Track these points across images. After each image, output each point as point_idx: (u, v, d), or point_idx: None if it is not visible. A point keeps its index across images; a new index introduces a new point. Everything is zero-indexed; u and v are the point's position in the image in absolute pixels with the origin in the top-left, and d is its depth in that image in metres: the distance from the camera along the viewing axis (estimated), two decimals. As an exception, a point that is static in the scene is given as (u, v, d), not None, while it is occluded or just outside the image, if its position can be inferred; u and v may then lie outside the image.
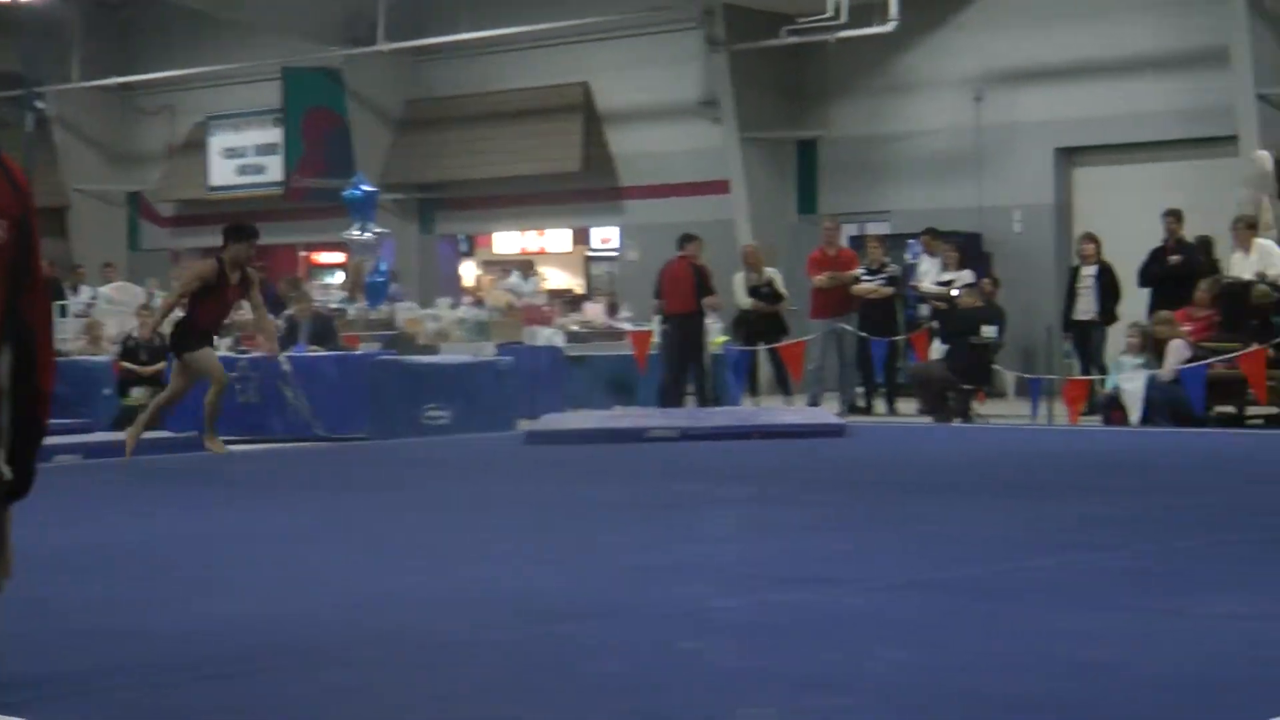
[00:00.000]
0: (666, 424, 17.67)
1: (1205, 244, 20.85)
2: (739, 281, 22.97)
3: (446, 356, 19.96)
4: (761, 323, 22.50)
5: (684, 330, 21.49)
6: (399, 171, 31.81)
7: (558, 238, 32.79)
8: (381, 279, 21.42)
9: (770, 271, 22.86)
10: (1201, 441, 16.68)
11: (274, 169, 32.71)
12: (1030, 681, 5.88)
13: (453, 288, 31.12)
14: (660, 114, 29.20)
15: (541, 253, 33.15)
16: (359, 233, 21.57)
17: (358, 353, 19.93)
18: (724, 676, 6.03)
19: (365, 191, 21.98)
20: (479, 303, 25.81)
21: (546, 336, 23.53)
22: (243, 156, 33.50)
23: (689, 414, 19.79)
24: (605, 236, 31.68)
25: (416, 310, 23.70)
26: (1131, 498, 11.78)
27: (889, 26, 25.47)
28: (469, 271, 33.91)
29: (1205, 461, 14.80)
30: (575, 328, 24.56)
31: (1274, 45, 23.49)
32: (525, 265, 28.00)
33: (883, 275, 22.41)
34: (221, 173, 33.90)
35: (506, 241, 33.63)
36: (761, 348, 22.40)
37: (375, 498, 12.65)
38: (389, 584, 8.21)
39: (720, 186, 27.90)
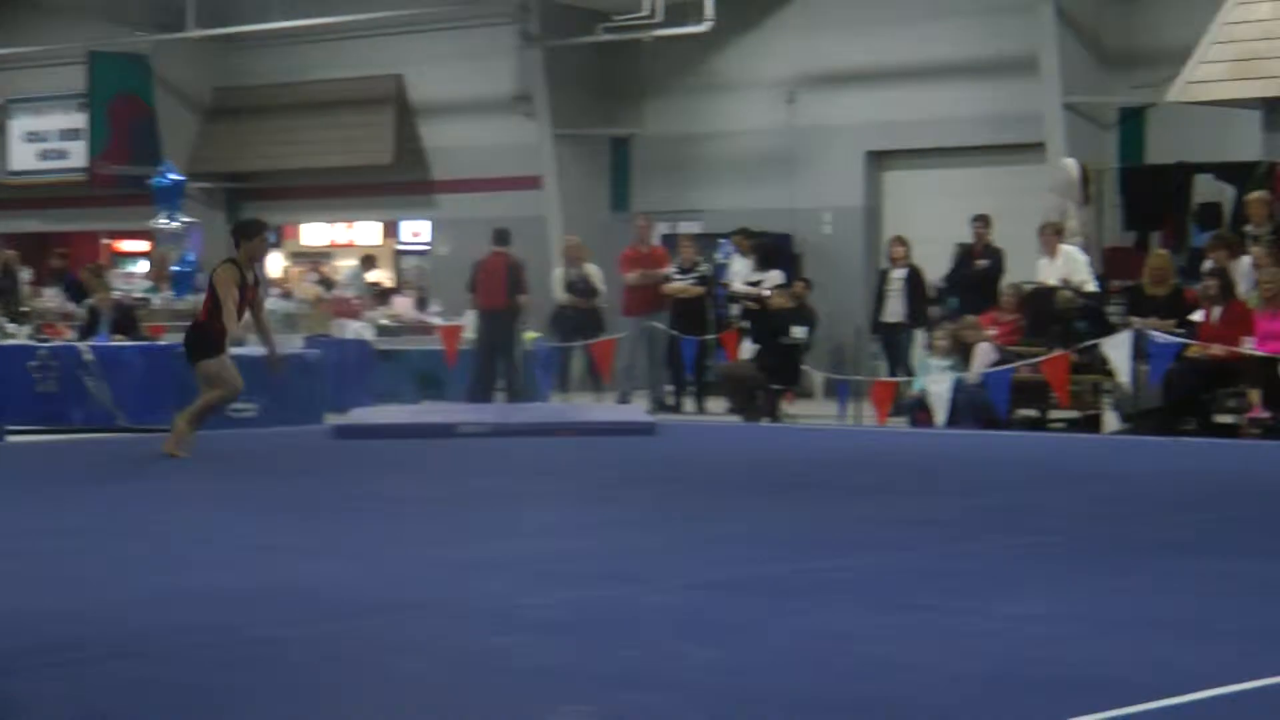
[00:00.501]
0: (477, 420, 17.61)
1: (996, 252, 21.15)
2: (558, 277, 22.97)
3: (253, 348, 19.71)
4: (579, 318, 22.50)
5: (497, 326, 21.44)
6: (207, 160, 31.40)
7: (367, 230, 32.54)
8: (188, 268, 21.09)
9: (591, 268, 22.87)
10: (1005, 444, 16.92)
11: (78, 155, 32.11)
12: (834, 680, 5.92)
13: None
14: (474, 108, 29.09)
15: (350, 245, 32.88)
16: (166, 221, 21.24)
17: (162, 343, 19.62)
18: (533, 674, 6.00)
19: (172, 180, 21.66)
20: (287, 294, 25.53)
21: (355, 330, 23.33)
22: (45, 141, 32.86)
23: (499, 410, 19.74)
24: (416, 230, 31.49)
25: (223, 301, 23.34)
26: (935, 499, 11.92)
27: (704, 26, 25.56)
28: (276, 262, 33.54)
29: (1008, 463, 15.01)
30: (384, 321, 24.38)
31: (1082, 54, 23.88)
32: (367, 259, 27.72)
33: (694, 274, 22.50)
34: (22, 157, 33.22)
35: (315, 233, 33.32)
36: (576, 344, 22.40)
37: (175, 491, 12.46)
38: (188, 580, 8.08)
39: (533, 182, 27.84)
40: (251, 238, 15.10)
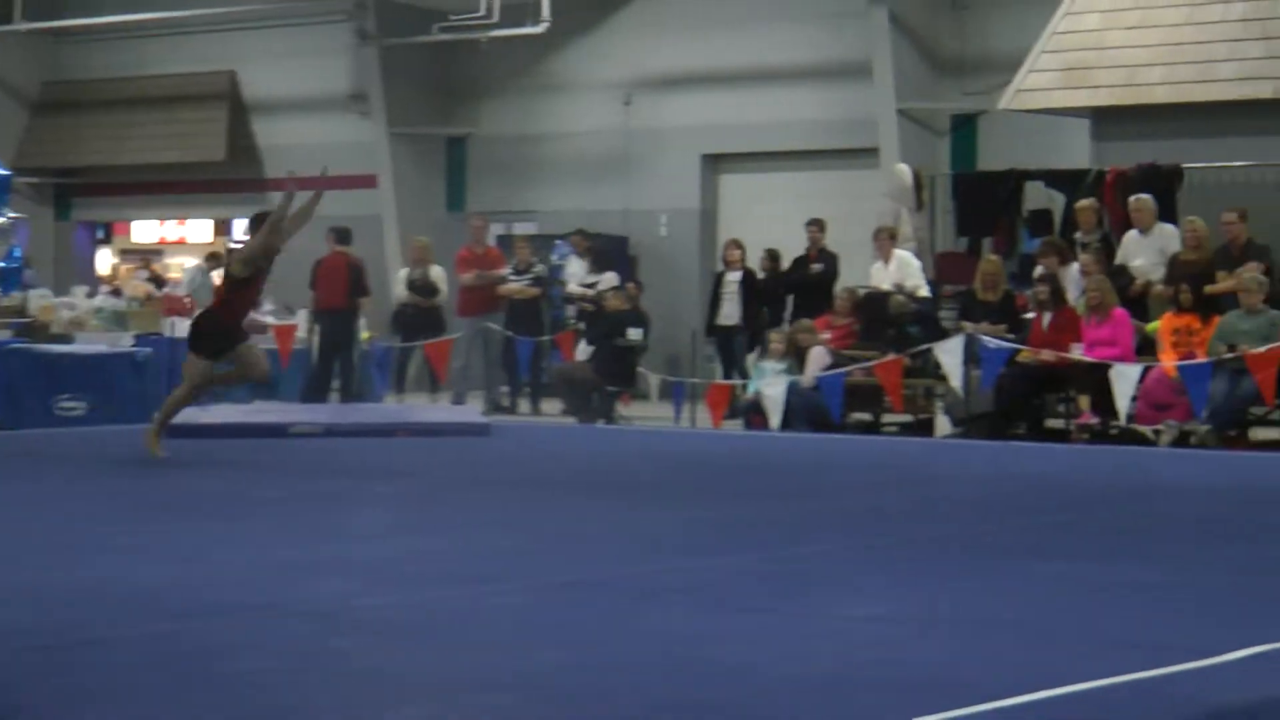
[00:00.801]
0: (310, 420, 17.47)
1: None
2: (402, 276, 22.86)
3: (81, 346, 19.41)
4: (420, 319, 22.38)
5: (336, 326, 21.27)
6: (35, 155, 30.88)
7: (198, 228, 32.16)
8: (14, 264, 20.74)
9: (435, 269, 22.73)
10: (839, 447, 17.04)
11: (-101, 148, 31.48)
12: (679, 682, 5.91)
13: (89, 275, 30.31)
14: (308, 106, 28.86)
15: (181, 242, 32.48)
16: (-8, 217, 20.89)
17: (-10, 339, 19.28)
18: (374, 676, 5.94)
19: (-2, 174, 21.30)
20: (116, 292, 25.16)
21: (186, 328, 23.00)
22: None
23: (333, 410, 19.59)
24: (248, 228, 31.13)
25: (50, 298, 22.99)
26: (771, 501, 11.97)
27: (541, 27, 25.53)
28: (105, 259, 33.07)
29: (843, 466, 15.12)
30: (216, 320, 24.04)
31: (915, 60, 24.13)
32: (213, 256, 27.33)
33: (529, 275, 22.46)
34: None
35: (146, 230, 32.88)
36: (414, 344, 22.28)
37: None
38: (10, 581, 7.92)
39: (368, 181, 27.67)
40: None
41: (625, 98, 26.41)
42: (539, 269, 22.80)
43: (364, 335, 22.05)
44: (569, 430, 19.48)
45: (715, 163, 26.30)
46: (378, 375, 22.18)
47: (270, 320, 23.53)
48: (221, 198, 30.13)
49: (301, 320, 22.19)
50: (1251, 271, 17.57)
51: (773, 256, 21.27)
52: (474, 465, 14.58)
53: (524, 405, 22.42)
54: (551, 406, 21.78)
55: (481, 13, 25.77)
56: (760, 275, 21.12)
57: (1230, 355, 16.75)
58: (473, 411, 20.10)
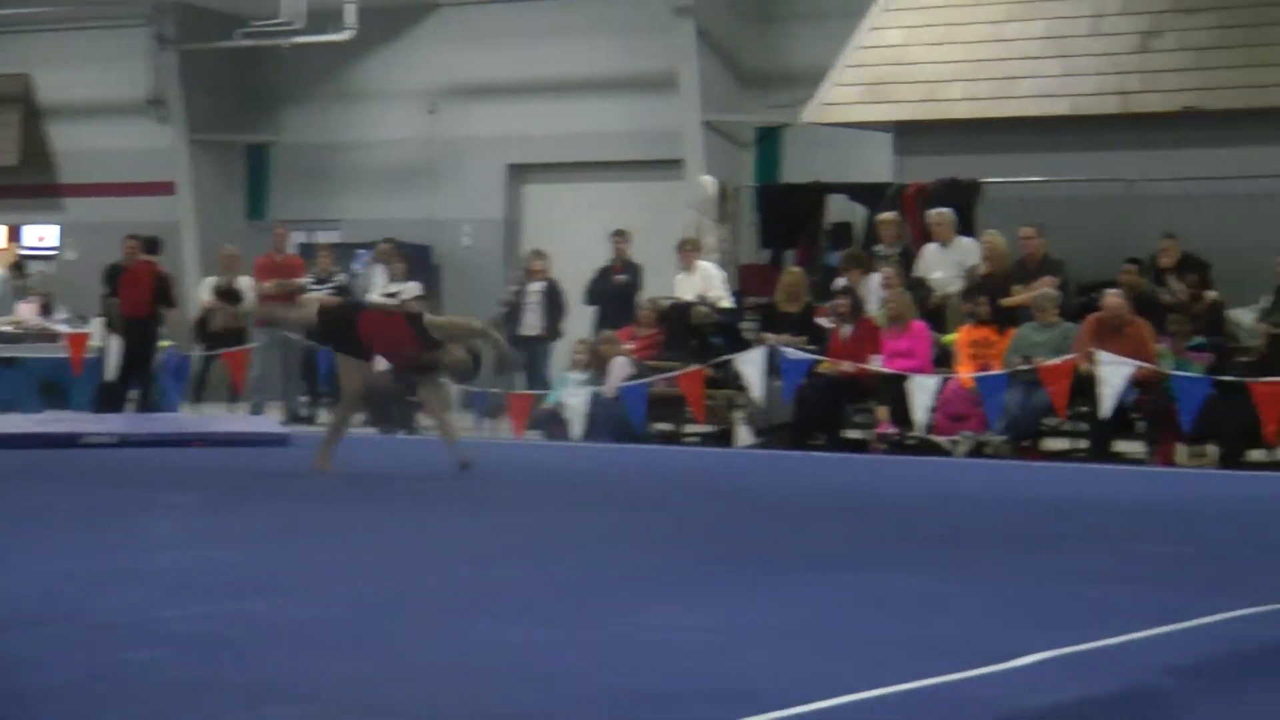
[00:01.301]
0: (103, 430, 17.22)
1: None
2: (208, 284, 22.63)
3: None
4: (225, 327, 22.12)
5: (138, 335, 20.95)
6: None
7: (-10, 233, 31.58)
8: None
9: (245, 279, 22.47)
10: (640, 457, 17.11)
11: None
12: (482, 692, 5.91)
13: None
14: (105, 111, 28.46)
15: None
16: None
17: None
18: (172, 686, 5.88)
19: None
20: (-98, 299, 24.63)
21: (-10, 339, 22.61)
22: None
23: (127, 420, 19.32)
24: (41, 235, 30.64)
25: None
26: (575, 512, 11.99)
27: (345, 35, 25.39)
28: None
29: (644, 477, 15.18)
30: (6, 328, 23.67)
31: (721, 72, 24.30)
32: (17, 265, 26.81)
33: (330, 284, 22.31)
34: None
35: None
36: (216, 354, 22.04)
37: None
38: None
39: (166, 188, 27.34)
40: None
41: (430, 107, 26.34)
42: (340, 278, 22.66)
43: (161, 344, 21.77)
44: (369, 441, 19.36)
45: (520, 173, 26.31)
46: (173, 385, 21.91)
47: (63, 329, 23.19)
48: (13, 204, 29.59)
49: (95, 329, 21.86)
50: (1046, 285, 17.92)
51: None
52: (271, 476, 14.46)
53: (324, 415, 22.25)
54: (353, 417, 21.60)
55: (284, 19, 25.57)
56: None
57: (1025, 367, 17.06)
58: (271, 422, 19.93)
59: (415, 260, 23.53)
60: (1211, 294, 17.49)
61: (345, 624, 7.13)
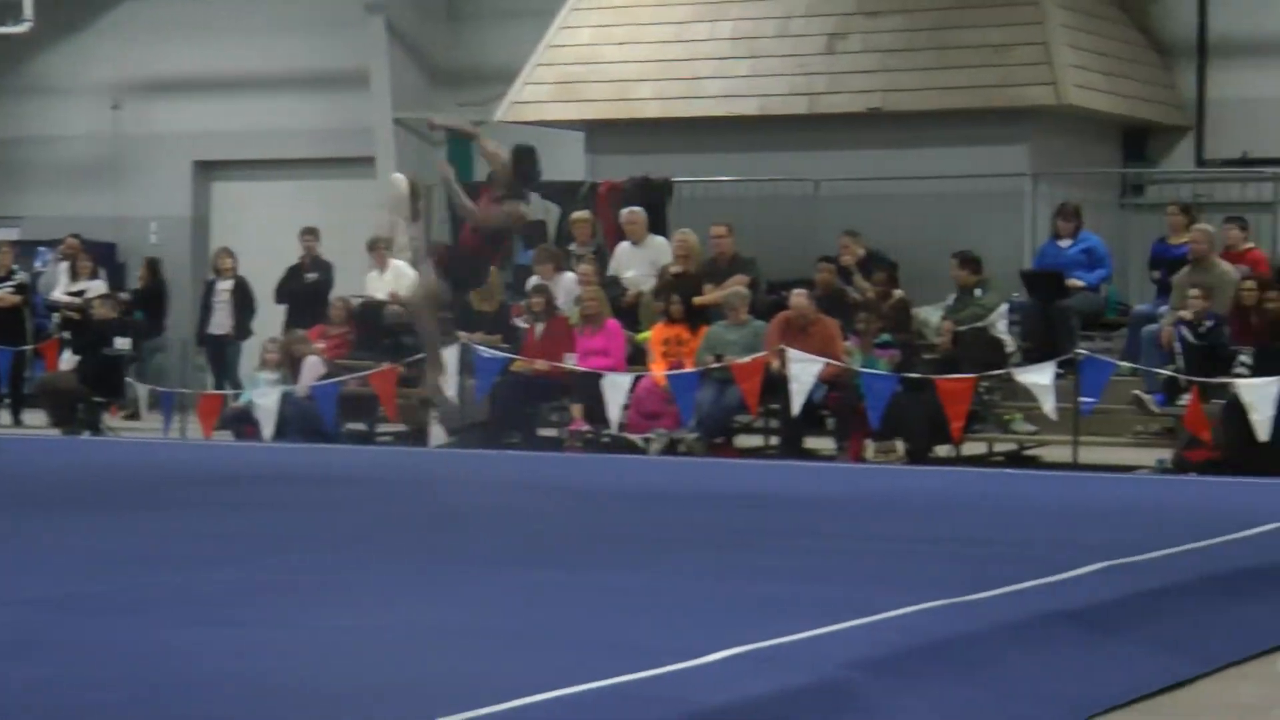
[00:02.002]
0: None
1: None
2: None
3: None
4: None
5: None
6: None
7: None
8: None
9: None
10: (332, 457, 16.91)
11: None
12: (161, 696, 5.74)
13: None
14: None
15: None
16: None
17: None
18: None
19: None
20: None
21: None
22: None
23: None
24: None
25: None
26: (258, 513, 11.79)
27: (23, 27, 24.70)
28: None
29: (335, 477, 14.98)
30: None
31: (412, 70, 24.14)
32: None
33: (10, 283, 21.69)
34: None
35: None
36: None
37: None
38: None
39: None
40: None
41: (114, 102, 25.77)
42: (20, 276, 22.03)
43: None
44: (53, 443, 18.88)
45: (208, 170, 25.87)
46: None
47: None
48: None
49: None
50: (737, 284, 18.08)
51: None
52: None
53: (4, 417, 21.62)
54: (35, 418, 21.05)
55: (-40, 10, 24.82)
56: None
57: (717, 365, 17.19)
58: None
59: (101, 258, 22.97)
60: (899, 292, 17.78)
61: (19, 630, 6.88)
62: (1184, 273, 16.97)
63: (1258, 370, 15.54)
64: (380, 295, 19.76)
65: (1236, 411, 15.29)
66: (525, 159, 13.97)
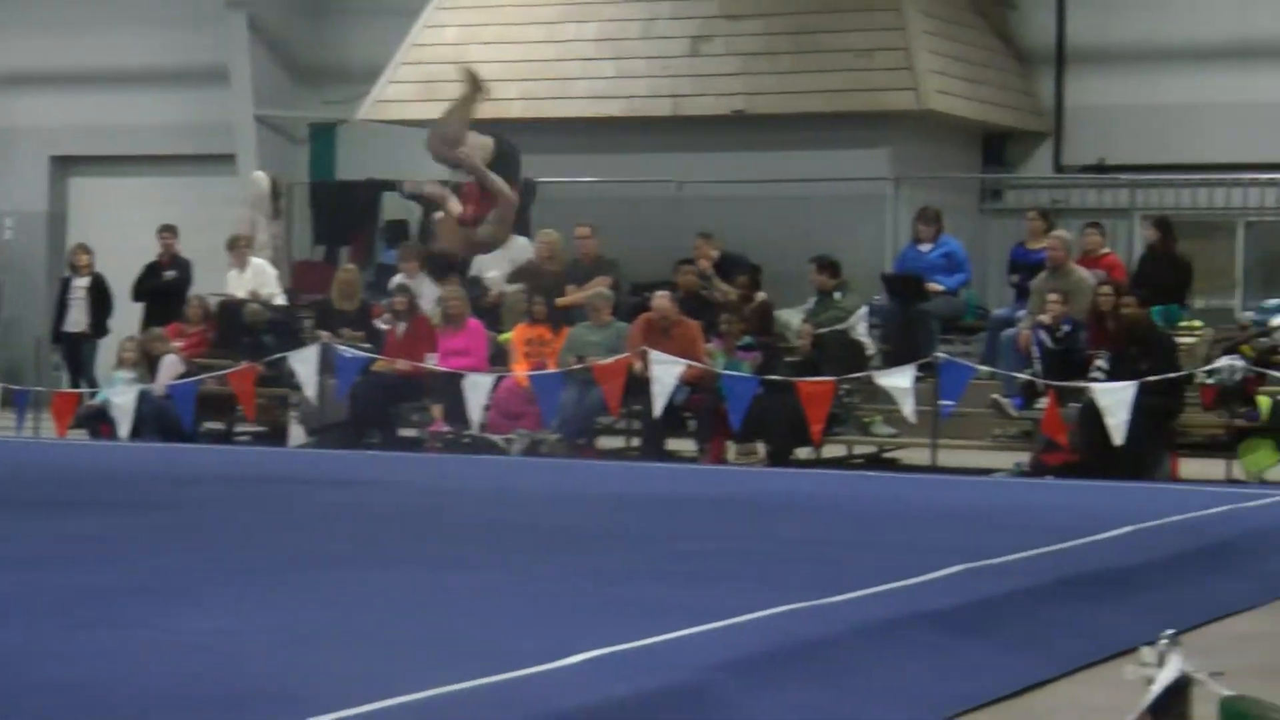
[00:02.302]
0: None
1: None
2: None
3: None
4: None
5: None
6: None
7: None
8: None
9: None
10: (190, 457, 16.74)
11: None
12: (9, 702, 5.65)
13: None
14: None
15: None
16: None
17: None
18: None
19: None
20: None
21: None
22: None
23: None
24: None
25: None
26: (113, 513, 11.64)
27: (-124, 18, 24.31)
28: None
29: (193, 477, 14.82)
30: None
31: (274, 67, 23.95)
32: None
33: None
34: None
35: None
36: None
37: None
38: None
39: None
40: None
41: (-32, 95, 25.40)
42: None
43: None
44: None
45: (65, 165, 25.53)
46: None
47: None
48: None
49: None
50: (600, 285, 18.08)
51: None
52: None
53: None
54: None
55: None
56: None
57: (579, 366, 17.18)
58: None
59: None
60: (761, 295, 17.84)
61: None
62: (1041, 278, 17.16)
63: (1113, 375, 15.73)
64: (240, 294, 19.58)
65: (1093, 416, 15.46)
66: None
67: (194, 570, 8.84)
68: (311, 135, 24.33)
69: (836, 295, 17.80)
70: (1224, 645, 8.28)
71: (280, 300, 19.77)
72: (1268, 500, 13.18)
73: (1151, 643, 3.74)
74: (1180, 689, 3.69)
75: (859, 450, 17.92)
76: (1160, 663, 3.67)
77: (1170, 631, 3.73)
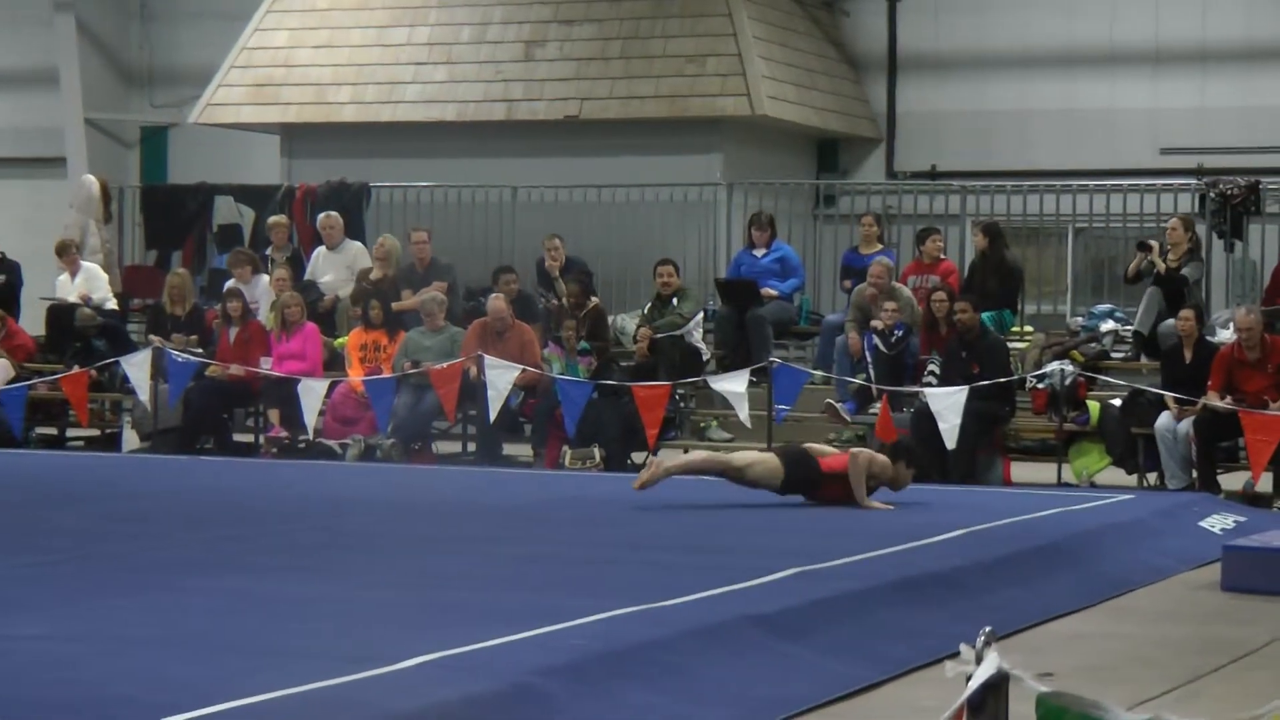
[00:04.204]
0: None
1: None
2: None
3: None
4: None
5: None
6: None
7: None
8: None
9: None
10: (21, 463, 16.49)
11: None
12: None
13: None
14: None
15: None
16: None
17: None
18: None
19: None
20: None
21: None
22: None
23: None
24: None
25: None
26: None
27: None
28: None
29: (23, 484, 14.61)
30: None
31: (104, 70, 23.68)
32: None
33: None
34: None
35: None
36: None
37: None
38: None
39: None
40: None
41: None
42: None
43: None
44: None
45: None
46: None
47: None
48: None
49: None
50: (435, 290, 18.03)
51: None
52: None
53: None
54: None
55: None
56: None
57: (414, 371, 17.13)
58: None
59: None
60: (595, 299, 17.86)
61: None
62: (862, 290, 17.21)
63: (945, 380, 15.91)
64: (71, 298, 19.32)
65: (925, 420, 15.63)
66: None
67: (22, 577, 8.72)
68: (142, 139, 24.08)
69: (674, 300, 17.86)
70: (1053, 645, 8.42)
71: (111, 305, 19.54)
72: (1097, 503, 13.39)
73: (971, 641, 3.79)
74: (997, 685, 3.75)
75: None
76: (978, 660, 3.73)
77: (988, 628, 3.79)
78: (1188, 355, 15.57)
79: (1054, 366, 16.06)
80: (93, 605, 7.79)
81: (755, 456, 12.83)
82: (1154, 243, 17.10)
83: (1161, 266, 16.82)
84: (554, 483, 15.48)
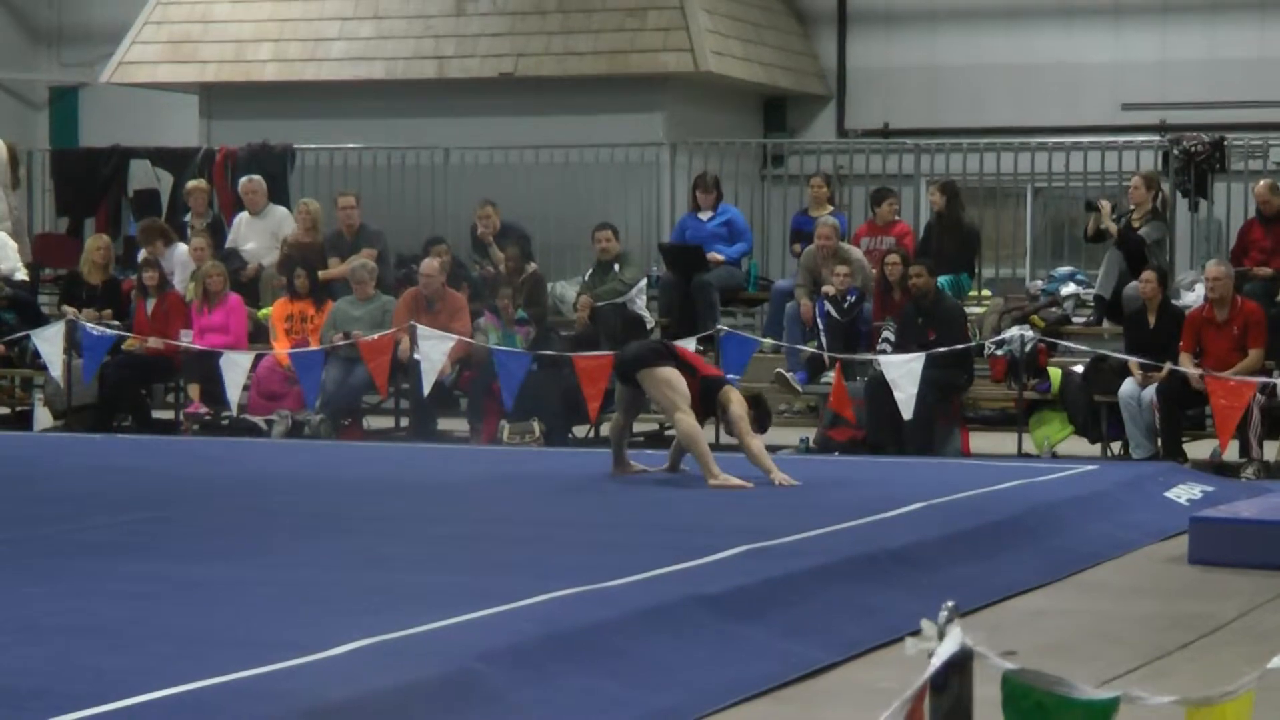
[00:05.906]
0: None
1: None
2: None
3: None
4: None
5: None
6: None
7: None
8: None
9: None
10: None
11: None
12: None
13: None
14: None
15: None
16: None
17: None
18: None
19: None
20: None
21: None
22: None
23: None
24: None
25: None
26: None
27: None
28: None
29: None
30: None
31: (9, 28, 23.56)
32: None
33: None
34: None
35: None
36: None
37: None
38: None
39: None
40: None
41: None
42: None
43: None
44: None
45: None
46: None
47: None
48: None
49: None
50: (364, 258, 17.96)
51: None
52: None
53: None
54: None
55: None
56: None
57: (343, 343, 17.07)
58: None
59: None
60: (532, 266, 17.82)
61: None
62: (811, 253, 17.22)
63: (900, 347, 15.90)
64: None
65: (880, 389, 15.63)
66: None
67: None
68: (52, 100, 23.92)
69: (615, 267, 17.82)
70: (1015, 623, 8.44)
71: (21, 275, 19.40)
72: (1059, 474, 13.43)
73: (932, 617, 3.78)
74: (961, 663, 3.74)
75: (639, 428, 17.97)
76: (940, 636, 3.72)
77: (950, 604, 3.78)
78: (1151, 319, 15.61)
79: (1013, 332, 16.09)
80: (2, 592, 7.74)
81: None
82: (1105, 202, 17.10)
83: (1112, 228, 16.82)
84: (491, 459, 15.45)
